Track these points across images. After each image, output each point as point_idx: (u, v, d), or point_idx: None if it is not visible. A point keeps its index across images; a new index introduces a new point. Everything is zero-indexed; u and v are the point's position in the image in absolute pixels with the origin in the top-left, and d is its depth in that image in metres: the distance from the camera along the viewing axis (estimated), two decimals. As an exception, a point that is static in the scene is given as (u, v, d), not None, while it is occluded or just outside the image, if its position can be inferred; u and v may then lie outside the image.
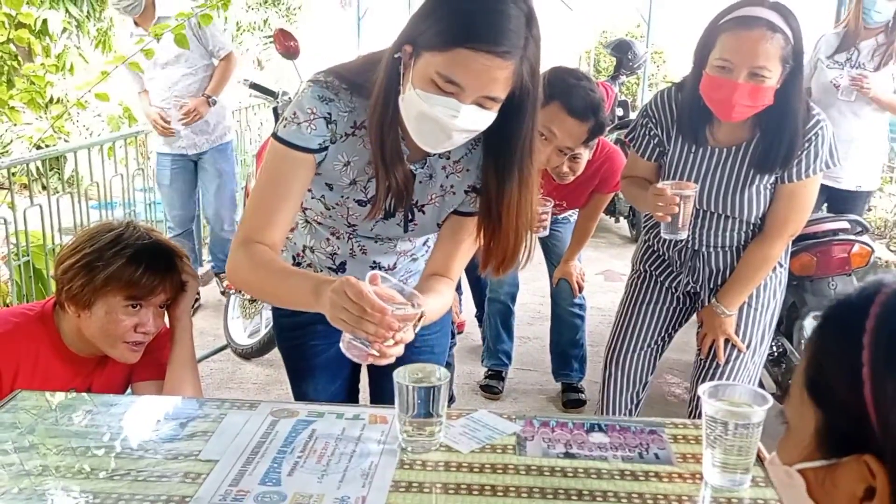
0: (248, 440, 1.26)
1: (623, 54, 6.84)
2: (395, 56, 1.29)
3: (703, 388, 1.17)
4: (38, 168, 3.29)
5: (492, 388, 3.26)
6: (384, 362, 1.20)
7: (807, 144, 1.86)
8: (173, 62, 3.82)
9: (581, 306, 3.20)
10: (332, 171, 1.40)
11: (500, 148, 1.35)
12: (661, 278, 2.19)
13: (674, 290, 2.19)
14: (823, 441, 0.68)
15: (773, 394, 2.95)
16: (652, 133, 2.04)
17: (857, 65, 3.50)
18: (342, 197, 1.43)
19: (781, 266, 2.11)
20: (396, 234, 1.50)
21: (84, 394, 1.44)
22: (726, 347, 2.09)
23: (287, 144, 1.36)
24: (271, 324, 3.54)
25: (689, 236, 2.00)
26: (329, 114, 1.35)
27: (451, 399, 3.04)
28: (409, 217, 1.47)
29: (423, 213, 1.47)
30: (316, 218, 1.52)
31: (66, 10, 7.39)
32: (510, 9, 1.20)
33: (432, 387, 1.23)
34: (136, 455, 1.21)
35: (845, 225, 2.76)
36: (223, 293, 3.91)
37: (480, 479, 1.17)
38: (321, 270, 1.56)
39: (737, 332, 2.09)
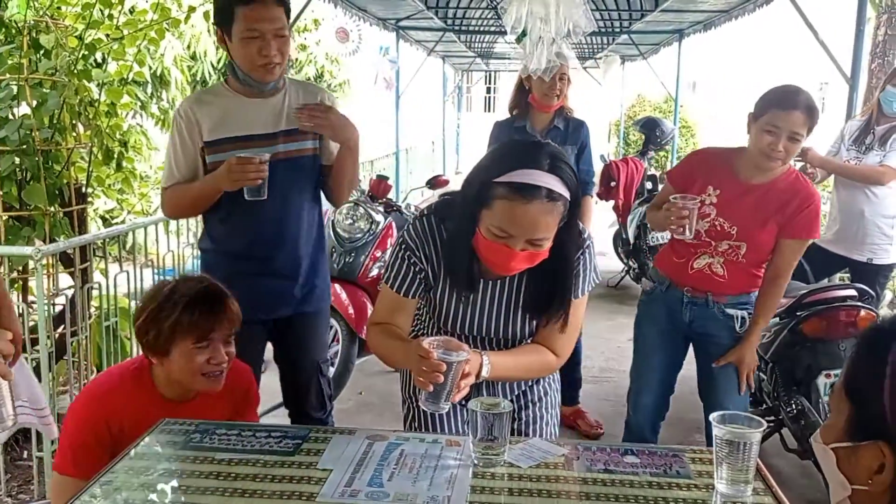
0: (353, 455, 1.60)
1: (651, 131, 7.22)
2: None
3: (714, 416, 1.49)
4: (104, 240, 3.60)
5: None
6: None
7: (576, 265, 1.77)
8: None
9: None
10: None
11: None
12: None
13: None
14: (852, 428, 0.98)
15: (793, 449, 3.21)
16: (417, 267, 1.80)
17: (870, 147, 3.77)
18: None
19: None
20: None
21: (215, 421, 1.79)
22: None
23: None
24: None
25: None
26: None
27: None
28: None
29: None
30: None
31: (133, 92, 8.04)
32: None
33: (498, 413, 1.57)
34: (269, 464, 1.56)
35: (853, 293, 3.06)
36: None
37: (538, 486, 1.50)
38: None
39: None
